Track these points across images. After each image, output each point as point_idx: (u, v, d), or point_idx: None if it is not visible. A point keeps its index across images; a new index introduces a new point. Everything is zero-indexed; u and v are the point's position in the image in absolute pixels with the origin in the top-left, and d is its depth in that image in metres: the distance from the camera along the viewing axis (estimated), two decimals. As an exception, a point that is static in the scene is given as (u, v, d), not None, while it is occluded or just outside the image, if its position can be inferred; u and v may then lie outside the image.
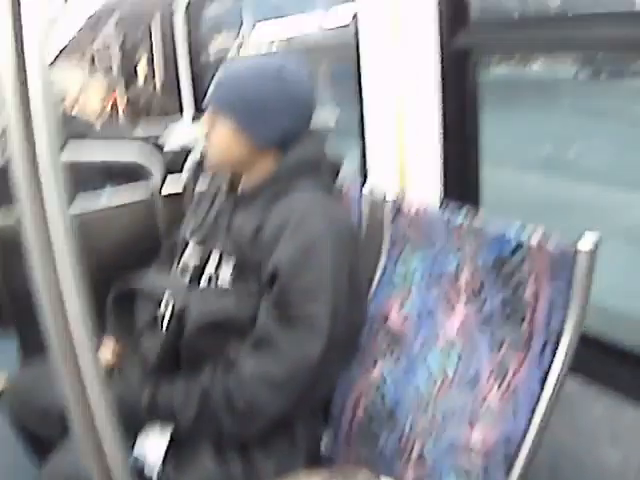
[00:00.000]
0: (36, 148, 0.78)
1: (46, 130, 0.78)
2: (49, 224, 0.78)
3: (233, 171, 2.07)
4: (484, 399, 1.62)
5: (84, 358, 0.82)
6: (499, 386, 1.60)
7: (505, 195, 7.47)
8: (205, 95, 2.04)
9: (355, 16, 2.59)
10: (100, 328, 2.02)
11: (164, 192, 2.85)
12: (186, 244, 2.16)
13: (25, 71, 0.76)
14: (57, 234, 0.78)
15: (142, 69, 5.95)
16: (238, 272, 1.90)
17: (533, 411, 1.52)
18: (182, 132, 4.08)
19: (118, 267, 2.53)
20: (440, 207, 2.17)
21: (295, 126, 1.99)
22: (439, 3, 2.20)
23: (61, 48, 8.02)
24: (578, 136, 9.32)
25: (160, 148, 3.42)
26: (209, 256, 2.00)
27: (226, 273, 1.92)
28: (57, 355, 0.81)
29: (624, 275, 4.69)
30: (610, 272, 2.14)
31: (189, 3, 4.71)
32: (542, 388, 1.51)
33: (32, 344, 2.47)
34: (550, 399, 1.50)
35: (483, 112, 2.32)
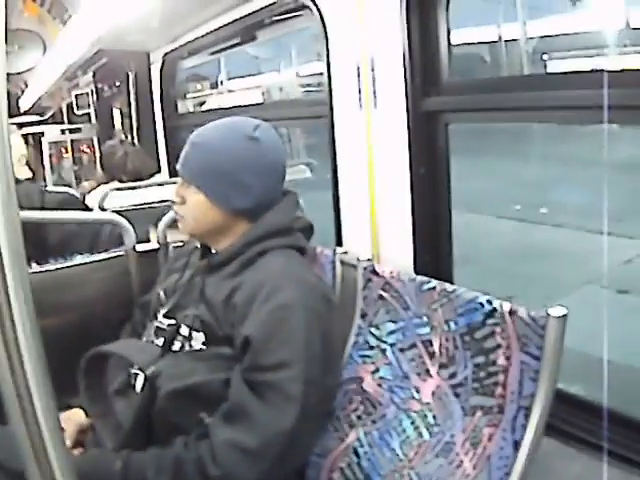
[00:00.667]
0: None
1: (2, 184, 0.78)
2: (6, 280, 0.78)
3: (207, 235, 2.08)
4: (460, 464, 1.63)
5: (43, 422, 0.80)
6: (474, 451, 1.60)
7: (482, 241, 7.54)
8: (180, 153, 2.07)
9: (328, 79, 2.62)
10: (72, 393, 2.03)
11: (138, 248, 2.85)
12: (160, 303, 2.17)
13: None
14: (13, 291, 0.78)
15: (117, 122, 5.96)
16: (210, 338, 1.91)
17: (508, 475, 1.52)
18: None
19: (92, 323, 2.54)
20: (414, 270, 2.21)
21: (268, 192, 2.01)
22: (410, 66, 2.23)
23: (39, 96, 8.07)
24: (550, 182, 9.40)
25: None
26: (182, 322, 2.00)
27: (199, 338, 1.93)
28: (15, 418, 0.80)
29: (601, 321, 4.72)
30: (587, 318, 2.16)
31: (166, 56, 4.74)
32: (517, 452, 1.52)
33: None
34: (524, 463, 1.51)
35: (458, 159, 2.34)
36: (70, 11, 4.08)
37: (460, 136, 2.42)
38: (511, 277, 6.52)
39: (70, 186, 7.72)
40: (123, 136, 5.71)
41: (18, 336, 0.78)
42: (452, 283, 2.06)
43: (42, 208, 2.93)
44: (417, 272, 2.26)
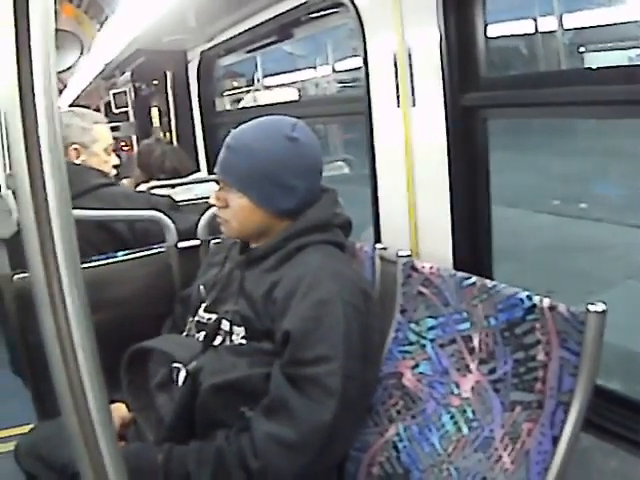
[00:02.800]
0: (48, 200, 0.79)
1: (56, 183, 0.78)
2: (60, 278, 0.79)
3: (251, 236, 2.10)
4: (498, 459, 1.63)
5: (95, 415, 0.81)
6: (513, 446, 1.61)
7: (521, 236, 7.49)
8: (219, 151, 2.08)
9: (366, 76, 2.63)
10: (115, 388, 2.06)
11: (180, 245, 2.88)
12: (201, 297, 2.19)
13: (38, 134, 0.77)
14: (68, 289, 0.79)
15: (156, 121, 5.98)
16: (251, 332, 1.93)
17: (547, 470, 1.52)
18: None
19: (134, 318, 2.57)
20: (453, 265, 2.20)
21: (310, 190, 2.02)
22: (448, 61, 2.23)
23: (77, 95, 8.15)
24: (590, 176, 9.31)
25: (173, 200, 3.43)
26: (223, 317, 2.02)
27: (240, 332, 1.95)
28: (68, 411, 0.81)
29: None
30: (628, 313, 2.15)
31: (203, 55, 4.77)
32: (555, 447, 1.52)
33: (47, 400, 2.50)
34: (563, 459, 1.51)
35: (497, 154, 2.32)
36: (107, 12, 4.12)
37: (500, 131, 2.42)
38: (551, 272, 6.44)
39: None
40: (162, 134, 5.72)
41: (72, 332, 0.80)
42: (492, 279, 2.06)
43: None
44: (456, 268, 2.26)
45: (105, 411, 0.82)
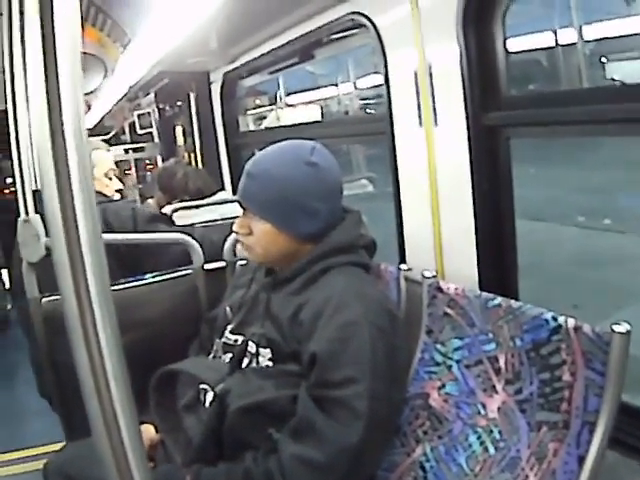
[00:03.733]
0: (77, 224, 0.80)
1: (86, 206, 0.80)
2: (91, 301, 0.81)
3: (276, 261, 2.12)
4: (525, 479, 1.63)
5: (127, 441, 0.82)
6: (539, 466, 1.61)
7: (545, 249, 7.45)
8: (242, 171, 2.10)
9: (388, 97, 2.64)
10: (143, 409, 2.08)
11: (206, 267, 2.91)
12: (227, 319, 2.21)
13: (66, 156, 0.79)
14: (99, 312, 0.81)
15: (180, 141, 6.02)
16: (277, 354, 1.94)
17: (574, 490, 1.53)
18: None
19: (161, 339, 2.59)
20: (479, 284, 2.21)
21: (332, 213, 2.04)
22: (469, 80, 2.24)
23: (101, 116, 8.21)
24: (615, 188, 9.24)
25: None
26: (249, 339, 2.04)
27: (266, 354, 1.96)
28: (100, 436, 0.83)
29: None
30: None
31: (226, 76, 4.80)
32: (581, 467, 1.52)
33: (75, 420, 2.53)
34: (589, 478, 1.51)
35: (523, 167, 2.31)
36: (129, 35, 4.15)
37: (522, 144, 2.41)
38: (578, 285, 6.41)
39: (135, 202, 7.84)
40: (186, 154, 5.77)
41: (104, 359, 0.81)
42: (517, 297, 2.06)
43: (135, 225, 2.99)
44: (482, 286, 2.27)
45: (136, 436, 0.84)
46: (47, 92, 0.79)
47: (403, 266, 2.28)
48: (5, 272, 7.69)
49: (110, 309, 0.82)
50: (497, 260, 2.32)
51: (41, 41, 0.79)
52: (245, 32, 3.76)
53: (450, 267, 2.45)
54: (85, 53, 3.27)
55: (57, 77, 0.79)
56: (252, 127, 7.03)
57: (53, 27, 0.79)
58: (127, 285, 2.78)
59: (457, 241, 2.40)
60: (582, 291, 6.12)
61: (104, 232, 2.59)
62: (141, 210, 3.20)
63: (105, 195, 3.16)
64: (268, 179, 2.00)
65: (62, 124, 0.79)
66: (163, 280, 2.85)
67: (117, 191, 3.33)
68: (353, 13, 2.79)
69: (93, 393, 0.82)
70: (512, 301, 1.79)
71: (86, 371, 0.81)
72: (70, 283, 0.80)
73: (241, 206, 2.10)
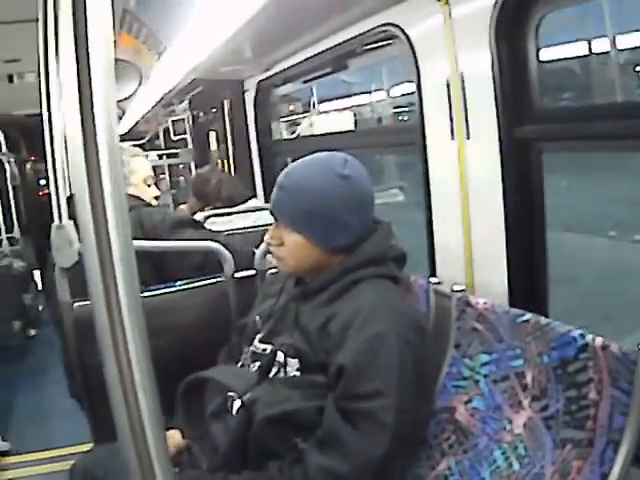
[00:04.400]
0: (109, 229, 0.80)
1: (117, 212, 0.80)
2: (121, 309, 0.81)
3: (306, 272, 2.12)
4: (549, 496, 1.63)
5: (153, 449, 0.83)
6: (563, 483, 1.61)
7: (580, 260, 7.40)
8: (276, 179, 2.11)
9: (420, 109, 2.64)
10: (171, 414, 2.11)
11: (237, 275, 2.92)
12: (256, 328, 2.22)
13: (99, 163, 0.79)
14: (128, 319, 0.82)
15: (213, 148, 6.05)
16: (305, 365, 1.95)
17: (596, 508, 1.52)
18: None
19: (191, 346, 2.61)
20: (509, 296, 2.20)
21: (363, 225, 2.04)
22: (501, 93, 2.23)
23: (135, 121, 8.27)
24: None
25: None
26: (278, 349, 2.05)
27: (294, 364, 1.97)
28: (126, 443, 0.83)
29: None
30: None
31: (259, 84, 4.83)
32: (605, 485, 1.52)
33: (103, 423, 2.55)
34: (613, 497, 1.51)
35: (557, 177, 2.29)
36: (164, 43, 4.18)
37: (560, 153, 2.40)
38: (608, 297, 6.35)
39: (168, 207, 7.90)
40: (220, 162, 5.80)
41: (133, 368, 0.82)
42: (547, 310, 2.06)
43: (163, 228, 3.03)
44: (512, 299, 2.27)
45: (162, 446, 0.84)
46: (80, 100, 0.80)
47: (433, 279, 2.28)
48: (38, 273, 7.77)
49: (140, 318, 0.82)
50: (527, 273, 2.32)
51: (74, 47, 0.80)
52: (279, 41, 3.77)
53: (480, 279, 2.44)
54: (121, 60, 3.31)
55: (90, 85, 0.79)
56: (285, 133, 7.07)
57: (87, 33, 0.80)
58: (158, 292, 2.81)
59: (487, 254, 2.40)
60: (614, 303, 6.05)
61: (137, 238, 2.63)
62: (173, 215, 3.23)
63: (141, 198, 3.20)
64: (300, 191, 2.01)
65: (95, 132, 0.79)
66: (194, 287, 2.87)
67: (155, 198, 3.36)
68: (386, 24, 2.80)
69: (121, 402, 0.82)
70: (540, 317, 1.78)
71: (115, 380, 0.82)
72: (101, 291, 0.80)
73: (273, 217, 2.11)
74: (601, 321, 5.21)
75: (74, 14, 0.80)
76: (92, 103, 0.80)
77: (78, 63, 0.80)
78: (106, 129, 0.80)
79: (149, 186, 3.32)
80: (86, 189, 0.79)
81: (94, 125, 0.79)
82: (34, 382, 5.81)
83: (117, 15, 4.43)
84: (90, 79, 0.80)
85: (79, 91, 0.80)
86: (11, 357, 6.43)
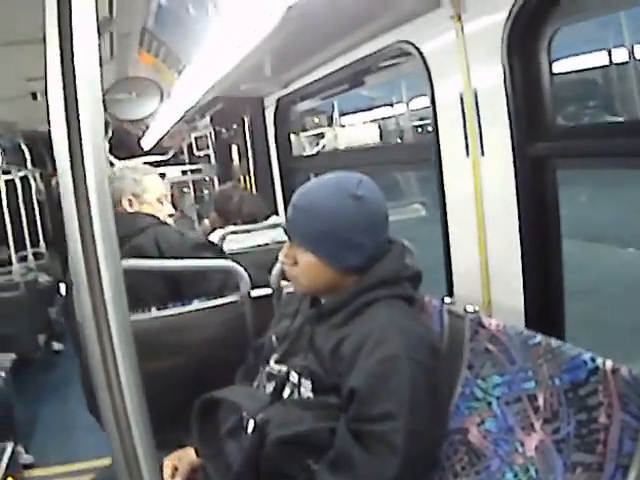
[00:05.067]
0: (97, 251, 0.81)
1: (106, 242, 0.81)
2: (109, 328, 0.82)
3: (319, 292, 2.13)
4: (561, 519, 1.62)
5: (146, 471, 0.84)
6: (575, 507, 1.60)
7: (602, 272, 7.35)
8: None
9: (435, 126, 2.65)
10: (186, 430, 2.12)
11: (253, 294, 2.93)
12: (272, 348, 2.23)
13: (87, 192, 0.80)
14: (117, 340, 0.82)
15: (236, 164, 6.08)
16: (318, 386, 1.95)
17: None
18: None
19: (208, 364, 2.62)
20: (525, 315, 2.19)
21: (377, 246, 2.04)
22: (515, 110, 2.23)
23: (160, 137, 8.33)
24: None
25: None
26: (292, 370, 2.05)
27: (307, 385, 1.97)
28: (120, 467, 0.84)
29: None
30: None
31: (279, 101, 4.85)
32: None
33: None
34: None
35: (580, 187, 2.28)
36: (184, 62, 4.22)
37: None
38: (633, 308, 6.30)
39: (192, 221, 7.96)
40: (241, 177, 5.83)
41: (125, 402, 0.83)
42: (563, 331, 2.05)
43: (181, 251, 3.04)
44: (528, 318, 2.27)
45: (155, 472, 0.85)
46: (67, 121, 0.80)
47: (446, 299, 2.27)
48: (63, 286, 7.83)
49: (130, 346, 0.83)
50: (543, 292, 2.31)
51: (60, 68, 0.81)
52: (296, 59, 3.80)
53: (497, 297, 2.44)
54: (141, 78, 3.35)
55: (77, 108, 0.80)
56: (308, 147, 7.09)
57: (72, 57, 0.80)
58: (175, 311, 2.82)
59: (504, 271, 2.40)
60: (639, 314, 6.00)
61: (154, 258, 2.64)
62: (189, 236, 3.25)
63: (155, 216, 3.21)
64: (314, 212, 2.02)
65: (82, 156, 0.80)
66: (210, 307, 2.88)
67: (169, 216, 3.38)
68: (400, 42, 2.81)
69: (115, 433, 0.84)
70: (552, 340, 1.77)
71: (108, 412, 0.83)
72: (90, 316, 0.81)
73: (287, 236, 2.12)
74: (627, 332, 5.17)
75: (60, 36, 0.81)
76: (80, 131, 0.80)
77: (64, 80, 0.80)
78: (94, 154, 0.80)
79: (163, 204, 3.33)
80: (74, 213, 0.80)
81: (82, 148, 0.80)
82: (58, 395, 5.86)
83: (136, 33, 4.49)
84: (77, 103, 0.80)
85: (66, 115, 0.80)
86: (36, 370, 6.48)
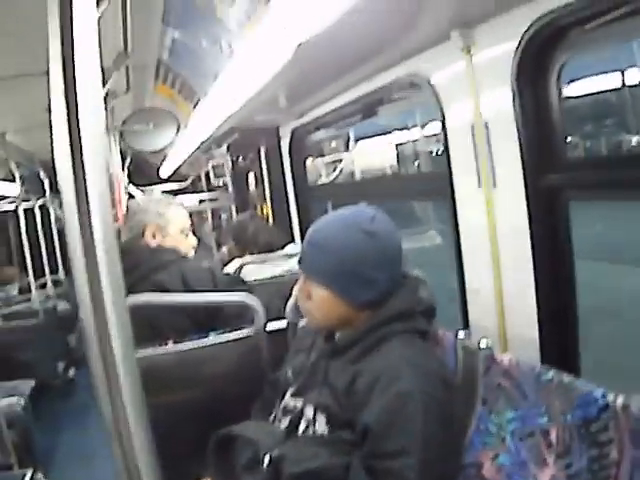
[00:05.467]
0: (101, 287, 0.84)
1: (111, 273, 0.84)
2: (115, 364, 0.83)
3: (333, 327, 2.14)
4: None
5: None
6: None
7: (622, 293, 7.29)
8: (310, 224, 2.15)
9: (447, 159, 2.66)
10: (203, 463, 2.13)
11: (268, 328, 2.94)
12: (288, 382, 2.24)
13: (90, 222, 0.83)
14: (122, 374, 0.83)
15: (252, 192, 6.12)
16: (333, 421, 1.96)
17: None
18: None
19: (225, 398, 2.63)
20: (540, 349, 2.19)
21: (391, 281, 2.05)
22: (526, 141, 2.25)
23: (179, 164, 8.38)
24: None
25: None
26: (307, 405, 2.06)
27: (322, 421, 1.98)
28: None
29: None
30: None
31: (294, 131, 4.89)
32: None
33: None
34: None
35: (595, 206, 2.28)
36: (199, 94, 4.26)
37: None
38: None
39: (211, 249, 7.97)
40: (259, 206, 5.87)
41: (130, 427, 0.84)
42: (579, 362, 2.05)
43: (215, 287, 3.04)
44: (543, 350, 2.27)
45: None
46: (72, 153, 0.82)
47: (460, 334, 2.27)
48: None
49: (135, 376, 0.85)
50: (558, 323, 2.31)
51: (64, 98, 0.82)
52: (310, 91, 3.83)
53: (512, 328, 2.44)
54: (158, 109, 3.39)
55: (80, 138, 0.82)
56: (324, 173, 7.12)
57: (75, 89, 0.82)
58: (191, 345, 2.84)
59: (518, 303, 2.40)
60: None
61: (182, 291, 2.66)
62: (219, 272, 3.25)
63: (177, 251, 3.21)
64: (328, 247, 2.03)
65: (87, 194, 0.82)
66: (226, 340, 2.89)
67: (192, 247, 3.38)
68: (410, 74, 2.83)
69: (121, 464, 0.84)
70: (564, 376, 1.78)
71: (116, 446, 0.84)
72: (96, 348, 0.83)
73: (302, 271, 2.13)
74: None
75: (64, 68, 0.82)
76: (83, 164, 0.83)
77: (69, 118, 0.82)
78: (99, 184, 0.82)
79: (186, 236, 3.33)
80: (80, 249, 0.82)
81: (85, 181, 0.82)
82: (77, 422, 5.86)
83: (152, 66, 4.54)
84: (80, 134, 0.82)
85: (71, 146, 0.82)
86: (55, 397, 6.48)
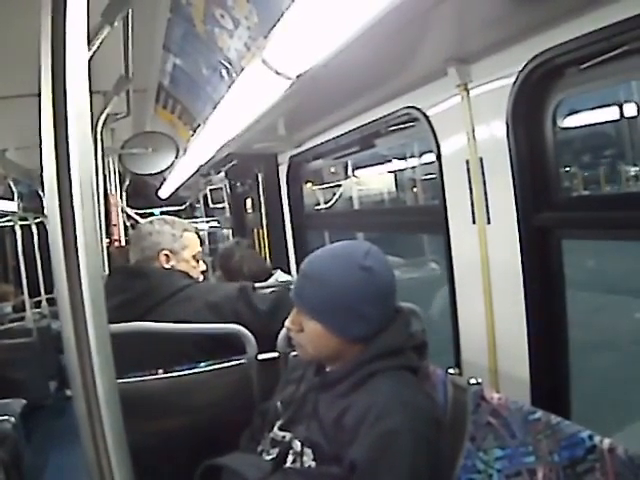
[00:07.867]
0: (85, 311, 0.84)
1: (94, 299, 0.85)
2: (97, 392, 0.83)
3: (324, 360, 2.14)
4: None
5: None
6: None
7: (625, 325, 7.27)
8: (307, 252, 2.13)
9: (442, 193, 2.68)
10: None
11: (260, 357, 2.93)
12: (277, 414, 2.23)
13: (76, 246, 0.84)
14: (103, 401, 0.84)
15: (249, 216, 6.13)
16: (320, 456, 1.95)
17: None
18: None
19: (214, 426, 2.61)
20: (530, 387, 2.20)
21: (383, 316, 2.05)
22: (520, 180, 2.26)
23: (177, 187, 8.40)
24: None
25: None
26: (295, 438, 2.05)
27: (309, 454, 1.97)
28: None
29: None
30: None
31: (292, 159, 4.92)
32: None
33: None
34: None
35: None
36: (198, 120, 4.27)
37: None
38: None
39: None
40: (255, 231, 5.87)
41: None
42: (570, 400, 2.06)
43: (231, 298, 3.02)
44: (533, 387, 2.27)
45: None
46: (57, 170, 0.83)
47: (450, 370, 2.27)
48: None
49: (116, 405, 0.85)
50: (549, 359, 2.31)
51: (52, 117, 0.83)
52: (308, 121, 3.86)
53: (503, 364, 2.45)
54: (158, 133, 3.39)
55: (68, 159, 0.83)
56: (322, 199, 7.13)
57: (66, 104, 0.83)
58: (181, 373, 2.82)
59: (510, 342, 2.41)
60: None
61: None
62: (259, 293, 3.24)
63: (189, 275, 3.19)
64: (321, 282, 2.03)
65: (73, 214, 0.82)
66: (217, 369, 2.89)
67: (202, 272, 3.36)
68: (407, 107, 2.85)
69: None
70: (552, 416, 1.78)
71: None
72: (79, 379, 0.83)
73: (295, 304, 2.14)
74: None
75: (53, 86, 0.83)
76: (70, 180, 0.84)
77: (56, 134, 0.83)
78: (85, 210, 0.83)
79: (198, 262, 3.31)
80: (64, 272, 0.82)
81: (72, 208, 0.82)
82: (68, 442, 5.82)
83: (152, 90, 4.56)
84: (68, 153, 0.83)
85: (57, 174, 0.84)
86: (46, 417, 6.45)
